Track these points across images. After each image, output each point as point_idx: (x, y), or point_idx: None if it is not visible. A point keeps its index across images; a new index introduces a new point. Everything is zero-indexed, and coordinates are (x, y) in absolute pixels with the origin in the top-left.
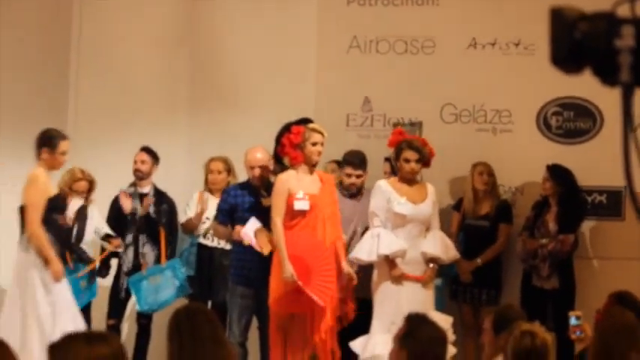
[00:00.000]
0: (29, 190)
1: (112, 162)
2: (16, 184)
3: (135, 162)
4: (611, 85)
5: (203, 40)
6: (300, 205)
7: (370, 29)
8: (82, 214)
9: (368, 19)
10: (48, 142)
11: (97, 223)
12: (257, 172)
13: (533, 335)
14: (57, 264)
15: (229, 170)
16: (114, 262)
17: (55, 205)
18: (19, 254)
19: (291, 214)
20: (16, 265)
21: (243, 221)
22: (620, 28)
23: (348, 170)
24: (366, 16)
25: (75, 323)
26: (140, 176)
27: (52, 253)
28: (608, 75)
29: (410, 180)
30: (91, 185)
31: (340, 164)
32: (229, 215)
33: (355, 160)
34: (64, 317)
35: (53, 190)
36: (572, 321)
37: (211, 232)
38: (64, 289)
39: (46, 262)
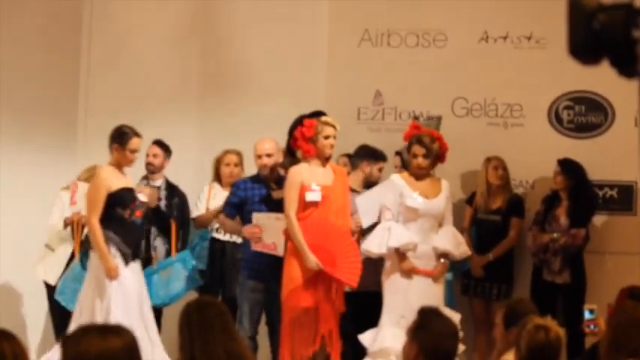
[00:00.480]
0: (89, 187)
1: None
2: (15, 164)
3: (147, 155)
4: (629, 76)
5: (214, 32)
6: (312, 196)
7: (382, 22)
8: None
9: (380, 12)
10: (119, 138)
11: None
12: (264, 160)
13: (547, 330)
14: (110, 261)
15: (241, 163)
16: None
17: (119, 201)
18: (91, 252)
19: (303, 206)
20: (89, 262)
21: (251, 214)
22: (638, 19)
23: (382, 165)
24: (377, 9)
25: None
26: (152, 170)
27: (105, 249)
28: (625, 66)
29: (422, 174)
30: None
31: (365, 158)
32: (238, 208)
33: (385, 156)
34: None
35: (119, 185)
36: (587, 315)
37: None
38: (121, 286)
39: (101, 258)
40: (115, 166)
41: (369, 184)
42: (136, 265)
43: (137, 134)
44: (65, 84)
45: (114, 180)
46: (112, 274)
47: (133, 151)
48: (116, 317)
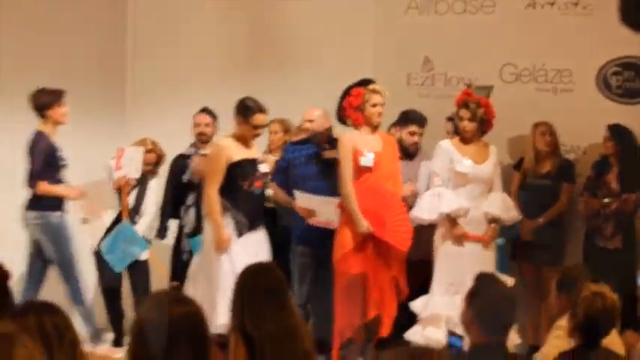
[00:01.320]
0: (207, 158)
1: (170, 123)
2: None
3: (198, 125)
4: None
5: (261, 2)
6: (365, 161)
7: None
8: (142, 186)
9: None
10: (242, 111)
11: (150, 197)
12: (306, 125)
13: (604, 297)
14: (221, 233)
15: (286, 130)
16: (174, 223)
17: (239, 172)
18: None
19: (358, 171)
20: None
21: (297, 177)
22: None
23: (413, 128)
24: None
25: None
26: (205, 140)
27: (219, 221)
28: None
29: (470, 139)
30: (159, 159)
31: (397, 123)
32: (286, 173)
33: (420, 118)
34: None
35: (240, 156)
36: None
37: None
38: (230, 261)
39: (214, 229)
40: (238, 138)
41: (403, 149)
42: (254, 236)
43: (262, 110)
44: (113, 54)
45: (235, 151)
46: (222, 247)
47: (256, 127)
48: (222, 293)
